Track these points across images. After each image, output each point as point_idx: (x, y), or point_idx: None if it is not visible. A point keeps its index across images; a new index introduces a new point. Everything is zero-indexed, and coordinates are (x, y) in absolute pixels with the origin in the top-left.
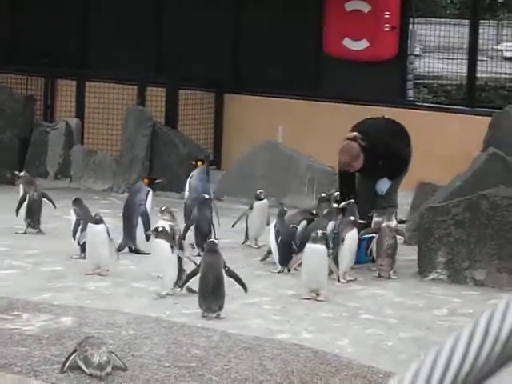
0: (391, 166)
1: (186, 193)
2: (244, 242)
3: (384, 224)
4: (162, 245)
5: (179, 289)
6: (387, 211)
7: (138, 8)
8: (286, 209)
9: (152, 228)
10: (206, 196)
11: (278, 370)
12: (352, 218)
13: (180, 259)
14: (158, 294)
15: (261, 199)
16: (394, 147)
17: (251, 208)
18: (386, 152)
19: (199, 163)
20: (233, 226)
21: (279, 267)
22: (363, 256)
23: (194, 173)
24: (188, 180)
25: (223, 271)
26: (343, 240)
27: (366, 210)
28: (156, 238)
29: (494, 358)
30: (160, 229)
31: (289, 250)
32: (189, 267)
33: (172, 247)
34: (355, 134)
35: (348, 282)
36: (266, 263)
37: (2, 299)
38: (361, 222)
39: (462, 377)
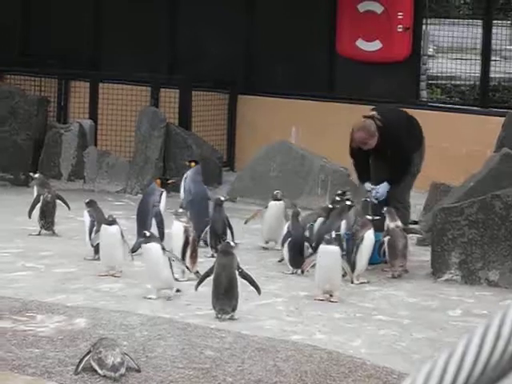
0: (398, 159)
1: (182, 194)
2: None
3: (392, 225)
4: (154, 247)
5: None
6: (388, 212)
7: (151, 9)
8: (299, 209)
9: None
10: (222, 198)
11: (292, 371)
12: (369, 217)
13: (171, 262)
14: (169, 297)
15: (277, 199)
16: (404, 140)
17: (266, 208)
18: (398, 140)
19: (193, 164)
20: (245, 222)
21: (291, 269)
22: (376, 257)
23: (188, 174)
24: (182, 181)
25: (237, 273)
26: (362, 240)
27: (378, 206)
28: (145, 243)
29: (506, 360)
30: (148, 234)
31: (300, 251)
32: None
33: (163, 249)
34: (373, 113)
35: (361, 283)
36: (281, 264)
37: (16, 301)
38: (376, 219)
39: (475, 378)
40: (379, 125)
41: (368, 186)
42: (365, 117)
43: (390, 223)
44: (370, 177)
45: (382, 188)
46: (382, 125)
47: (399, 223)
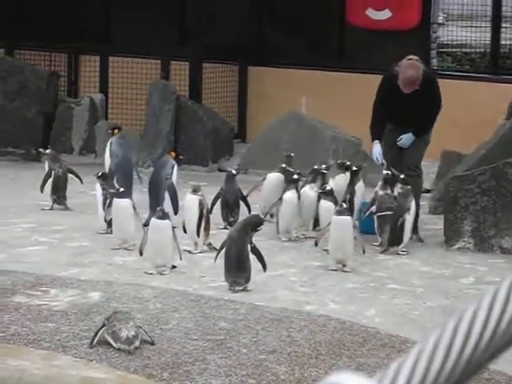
0: (430, 109)
1: (107, 159)
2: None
3: (381, 192)
4: (164, 225)
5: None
6: (383, 179)
7: None
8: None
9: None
10: (233, 171)
11: (306, 341)
12: (409, 187)
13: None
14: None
15: (280, 171)
16: (438, 86)
17: (263, 180)
18: (435, 88)
19: (116, 131)
20: (246, 195)
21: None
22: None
23: (113, 139)
24: (107, 147)
25: (248, 246)
26: (408, 211)
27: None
28: (157, 219)
29: None
30: (161, 210)
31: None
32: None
33: (173, 228)
34: (417, 57)
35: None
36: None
37: (29, 275)
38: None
39: (484, 344)
40: (422, 67)
41: (377, 150)
42: (410, 59)
43: (380, 190)
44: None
45: (406, 138)
46: (424, 68)
47: (389, 191)
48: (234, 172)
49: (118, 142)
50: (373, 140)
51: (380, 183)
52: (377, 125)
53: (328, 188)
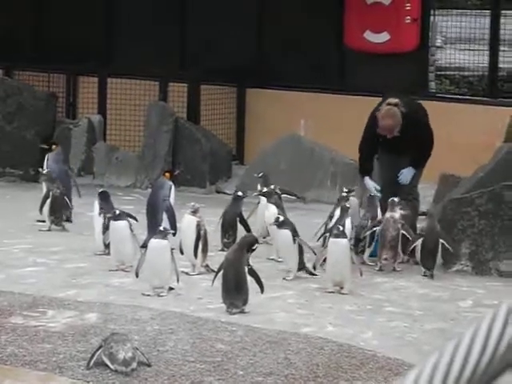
0: (417, 144)
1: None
2: None
3: (388, 215)
4: (161, 245)
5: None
6: (391, 202)
7: (161, 3)
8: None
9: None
10: (239, 193)
11: (303, 363)
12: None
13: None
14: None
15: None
16: (426, 124)
17: (258, 203)
18: (417, 125)
19: (54, 147)
20: (247, 218)
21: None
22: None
23: (49, 156)
24: (45, 163)
25: (245, 268)
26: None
27: (387, 194)
28: (155, 239)
29: None
30: (161, 230)
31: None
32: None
33: (172, 249)
34: (397, 100)
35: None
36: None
37: (27, 296)
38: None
39: (482, 368)
40: (403, 111)
41: (371, 183)
42: (389, 104)
43: (387, 213)
44: (372, 173)
45: (407, 172)
46: (406, 110)
47: (396, 215)
48: (239, 194)
49: (54, 157)
50: (363, 176)
51: (389, 207)
52: (365, 163)
53: (281, 219)
